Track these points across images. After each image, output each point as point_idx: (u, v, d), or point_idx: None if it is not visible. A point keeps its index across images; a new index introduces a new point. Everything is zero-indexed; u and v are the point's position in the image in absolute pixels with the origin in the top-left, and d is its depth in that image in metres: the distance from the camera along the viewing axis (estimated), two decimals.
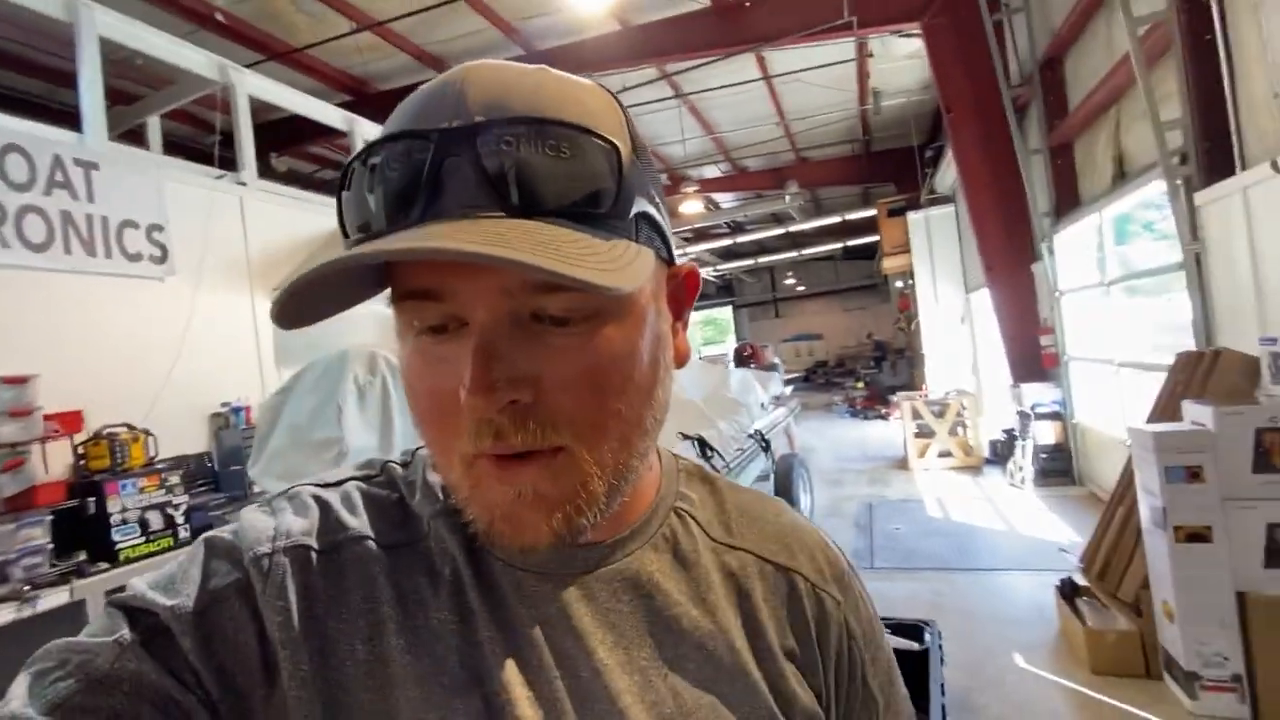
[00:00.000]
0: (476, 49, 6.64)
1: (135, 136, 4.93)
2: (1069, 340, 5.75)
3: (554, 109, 0.35)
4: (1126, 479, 3.22)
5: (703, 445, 2.93)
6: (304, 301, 0.35)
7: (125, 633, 0.35)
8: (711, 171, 11.66)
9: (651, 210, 0.40)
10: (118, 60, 3.85)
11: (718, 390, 3.94)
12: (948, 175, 8.50)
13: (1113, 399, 4.99)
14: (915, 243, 9.58)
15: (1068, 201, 5.42)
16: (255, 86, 4.53)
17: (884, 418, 11.27)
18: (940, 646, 2.46)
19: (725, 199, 13.16)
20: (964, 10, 5.52)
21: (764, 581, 0.47)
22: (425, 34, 6.29)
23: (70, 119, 3.65)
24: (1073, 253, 5.64)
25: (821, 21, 5.79)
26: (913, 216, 9.57)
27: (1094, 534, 3.45)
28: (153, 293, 3.73)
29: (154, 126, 5.06)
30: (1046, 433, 5.78)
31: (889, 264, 10.77)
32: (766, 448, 4.49)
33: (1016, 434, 6.14)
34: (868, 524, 5.33)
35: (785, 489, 4.73)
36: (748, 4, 6.16)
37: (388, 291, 0.39)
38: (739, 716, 0.42)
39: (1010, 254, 6.23)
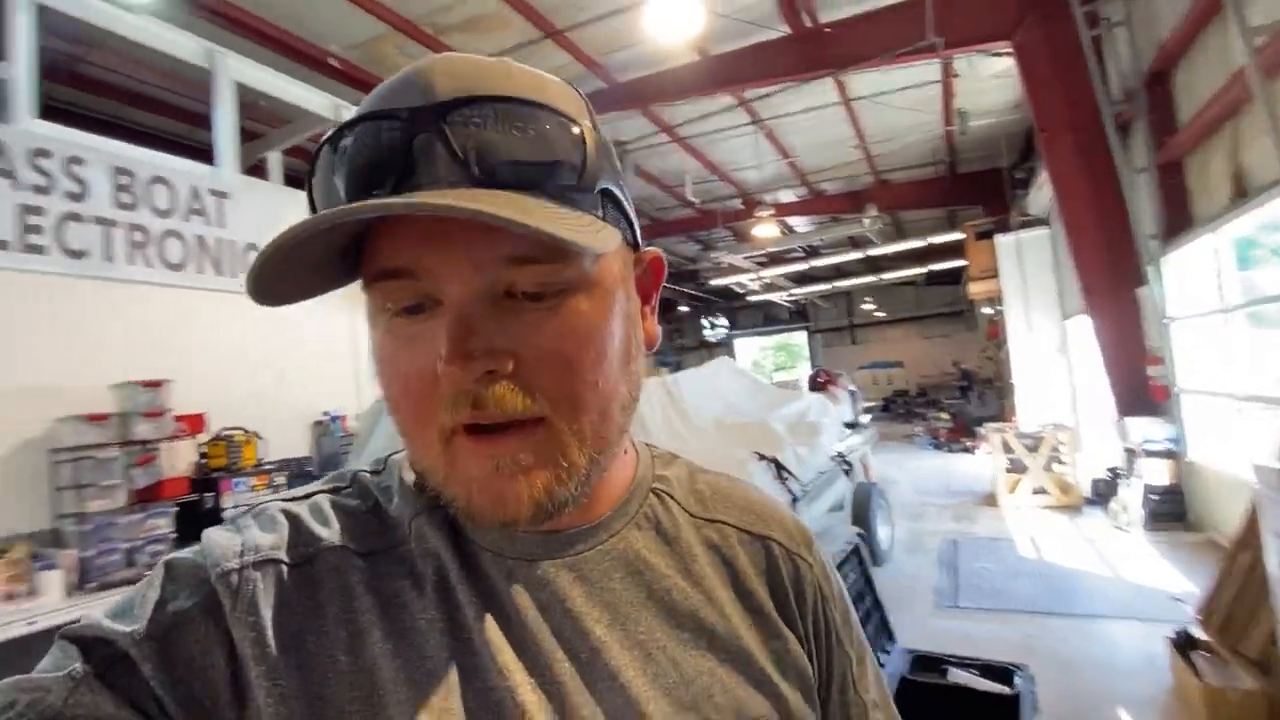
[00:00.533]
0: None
1: (258, 170, 5.48)
2: (1181, 371, 5.28)
3: (519, 92, 0.37)
4: (1251, 523, 2.91)
5: (779, 467, 2.90)
6: (280, 275, 0.35)
7: (78, 665, 0.34)
8: (787, 196, 11.59)
9: (616, 192, 0.41)
10: (245, 102, 4.30)
11: (794, 413, 3.88)
12: (1041, 196, 8.08)
13: (1234, 436, 4.53)
14: (1005, 267, 9.12)
15: (1178, 222, 5.03)
16: None
17: (970, 451, 10.65)
18: (1033, 693, 2.31)
19: (800, 223, 13.02)
20: (1059, 26, 5.29)
21: (743, 549, 0.49)
22: None
23: (203, 155, 4.11)
24: (1184, 277, 5.21)
25: (904, 44, 5.71)
26: (1002, 240, 9.13)
27: (1213, 583, 3.12)
28: (266, 310, 4.09)
29: (274, 160, 5.60)
30: (1157, 472, 5.29)
31: (976, 289, 10.29)
32: (848, 471, 4.35)
33: (1122, 472, 5.66)
34: (952, 561, 5.04)
35: (862, 518, 4.56)
36: (828, 30, 6.17)
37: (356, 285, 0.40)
38: (736, 680, 0.43)
39: (1112, 278, 5.82)
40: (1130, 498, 5.44)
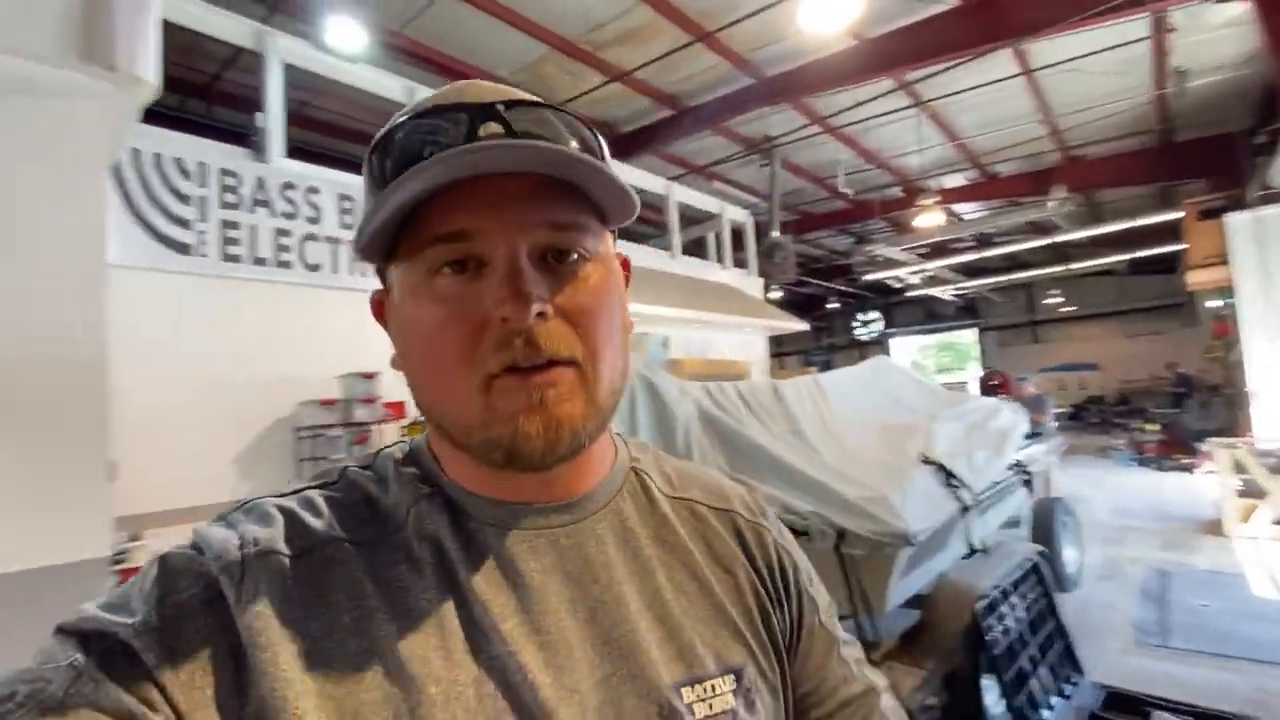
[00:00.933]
0: (710, 83, 7.04)
1: None
2: None
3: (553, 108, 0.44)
4: None
5: (947, 474, 2.72)
6: (383, 234, 0.41)
7: (79, 656, 0.34)
8: (954, 180, 10.66)
9: None
10: None
11: (968, 416, 3.59)
12: None
13: None
14: (1238, 251, 7.62)
15: None
16: None
17: (1187, 469, 9.07)
18: None
19: (970, 209, 11.89)
20: None
21: (710, 522, 0.54)
22: (664, 76, 6.86)
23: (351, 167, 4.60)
24: None
25: (1100, 3, 5.01)
26: (1234, 219, 7.64)
27: None
28: None
29: None
30: None
31: (1197, 278, 8.71)
32: (1028, 483, 3.94)
33: None
34: (1160, 594, 4.36)
35: (1045, 537, 4.10)
36: None
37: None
38: (715, 632, 0.48)
39: None
40: None
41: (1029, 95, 7.65)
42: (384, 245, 0.43)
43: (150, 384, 3.13)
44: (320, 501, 0.45)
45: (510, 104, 0.41)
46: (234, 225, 3.62)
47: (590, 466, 0.49)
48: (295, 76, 4.21)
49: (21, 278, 1.87)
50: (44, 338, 1.88)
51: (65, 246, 1.98)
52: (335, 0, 4.70)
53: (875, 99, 7.18)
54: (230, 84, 6.27)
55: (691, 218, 9.03)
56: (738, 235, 9.55)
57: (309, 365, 3.82)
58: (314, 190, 3.96)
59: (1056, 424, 7.48)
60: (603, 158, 0.44)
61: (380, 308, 0.48)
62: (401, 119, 0.42)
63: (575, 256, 0.43)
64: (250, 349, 3.66)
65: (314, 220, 3.94)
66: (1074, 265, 14.47)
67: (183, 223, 3.43)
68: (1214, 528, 5.90)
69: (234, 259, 3.59)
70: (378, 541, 0.43)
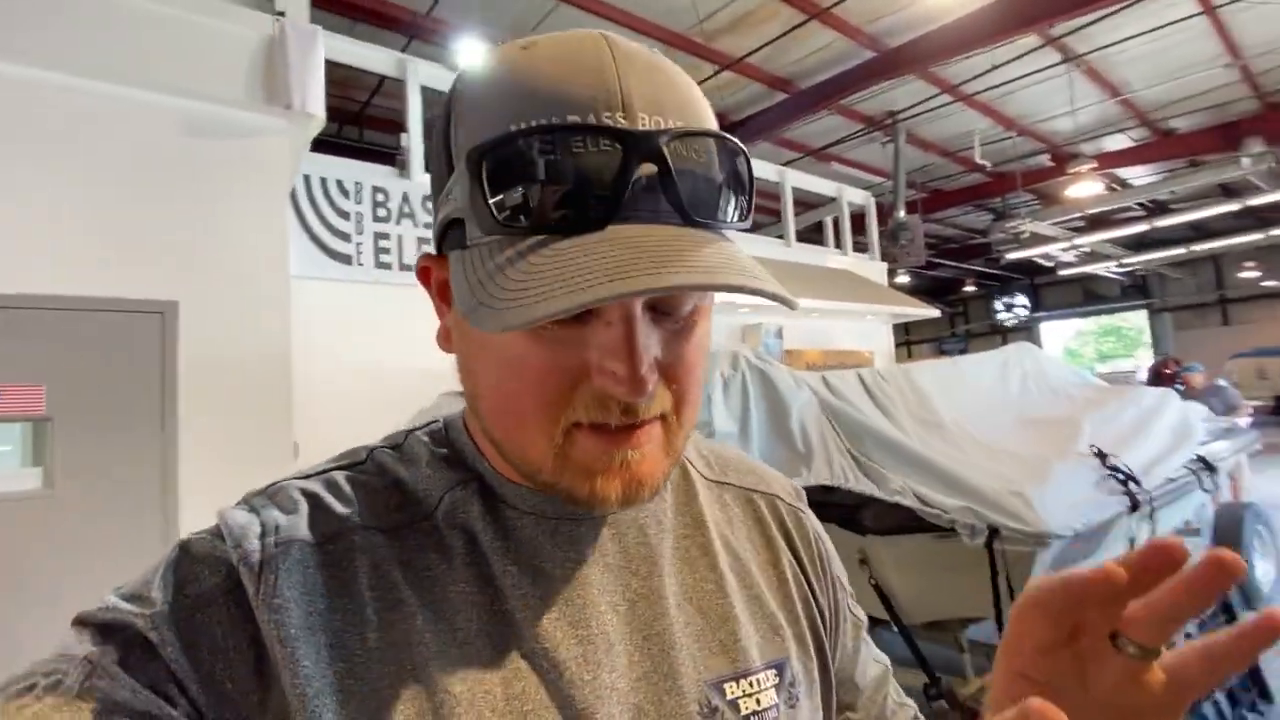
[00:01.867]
0: (827, 61, 6.77)
1: None
2: None
3: (701, 116, 0.37)
4: None
5: (1105, 469, 2.45)
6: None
7: (95, 649, 0.34)
8: (1117, 142, 9.43)
9: None
10: None
11: (1132, 409, 3.20)
12: None
13: None
14: None
15: None
16: None
17: None
18: None
19: (1138, 174, 10.46)
20: None
21: (750, 507, 0.54)
22: (777, 60, 6.70)
23: None
24: None
25: None
26: None
27: None
28: None
29: None
30: None
31: None
32: (1208, 486, 3.45)
33: None
34: None
35: (1230, 546, 3.57)
36: None
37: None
38: (755, 625, 0.47)
39: None
40: None
41: (1214, 37, 6.60)
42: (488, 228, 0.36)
43: (323, 377, 3.61)
44: (345, 485, 0.43)
45: (671, 135, 0.34)
46: (384, 236, 4.07)
47: None
48: (431, 95, 4.61)
49: (226, 290, 2.25)
50: (242, 338, 2.25)
51: (257, 262, 2.35)
52: (464, 21, 5.09)
53: (1016, 59, 6.54)
54: (378, 109, 7.00)
55: (807, 203, 8.74)
56: (859, 218, 9.11)
57: (448, 359, 4.21)
58: None
59: (1251, 417, 6.45)
60: (750, 187, 0.39)
61: (427, 275, 0.44)
62: (529, 128, 0.33)
63: (690, 307, 0.39)
64: (402, 345, 4.10)
65: None
66: (1275, 231, 12.25)
67: (344, 236, 3.91)
68: None
69: (385, 266, 4.05)
70: (405, 528, 0.41)
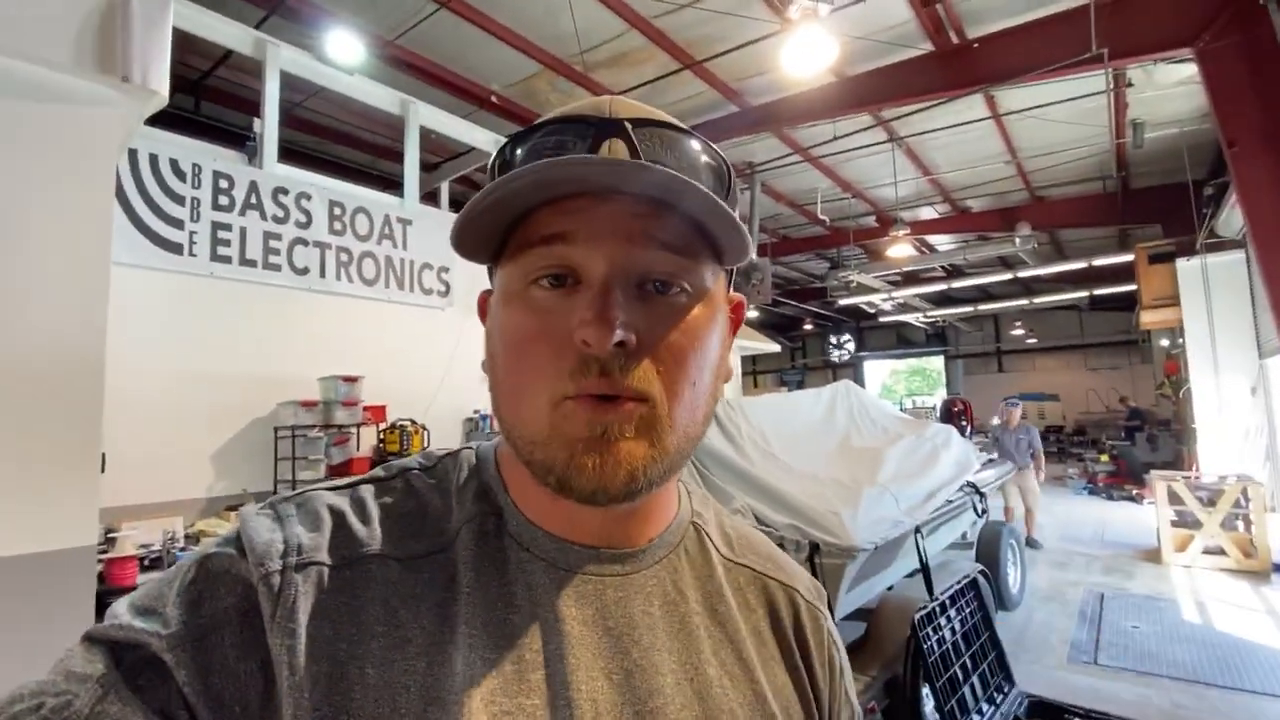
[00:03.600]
0: (698, 109, 7.28)
1: (430, 197, 6.30)
2: None
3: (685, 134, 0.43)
4: None
5: (895, 496, 2.90)
6: (471, 231, 0.39)
7: (108, 671, 0.34)
8: (927, 213, 11.08)
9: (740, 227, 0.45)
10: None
11: (925, 445, 3.79)
12: (1234, 216, 7.11)
13: None
14: (1187, 295, 8.10)
15: None
16: None
17: (1135, 499, 9.50)
18: None
19: (942, 241, 12.34)
20: (1255, 30, 4.73)
21: (766, 595, 0.51)
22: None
23: (380, 181, 4.84)
24: None
25: (1063, 58, 5.36)
26: (1183, 264, 8.13)
27: None
28: (436, 319, 4.76)
29: (444, 189, 6.42)
30: None
31: (1149, 319, 9.19)
32: (981, 508, 4.15)
33: None
34: (1095, 615, 4.62)
35: (990, 559, 4.34)
36: (975, 45, 5.94)
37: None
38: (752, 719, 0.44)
39: None
40: None
41: (998, 138, 8.05)
42: (490, 245, 0.42)
43: (135, 379, 3.18)
44: (372, 505, 0.43)
45: (639, 122, 0.40)
46: (225, 227, 3.69)
47: (653, 515, 0.47)
48: (288, 79, 4.30)
49: (29, 275, 1.96)
50: (48, 333, 1.97)
51: (72, 246, 2.07)
52: (335, 9, 4.82)
53: (854, 133, 7.51)
54: (221, 80, 6.32)
55: None
56: None
57: (292, 366, 3.90)
58: (305, 196, 4.05)
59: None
60: (730, 190, 0.42)
61: (484, 307, 0.47)
62: (534, 125, 0.42)
63: (677, 290, 0.40)
64: (234, 348, 3.72)
65: (304, 225, 4.03)
66: (1038, 299, 15.05)
67: (175, 223, 3.50)
68: (1153, 555, 6.24)
69: (224, 260, 3.67)
70: (423, 560, 0.41)
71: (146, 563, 2.77)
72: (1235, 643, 4.10)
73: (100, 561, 2.35)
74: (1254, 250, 5.56)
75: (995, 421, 7.56)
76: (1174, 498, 6.20)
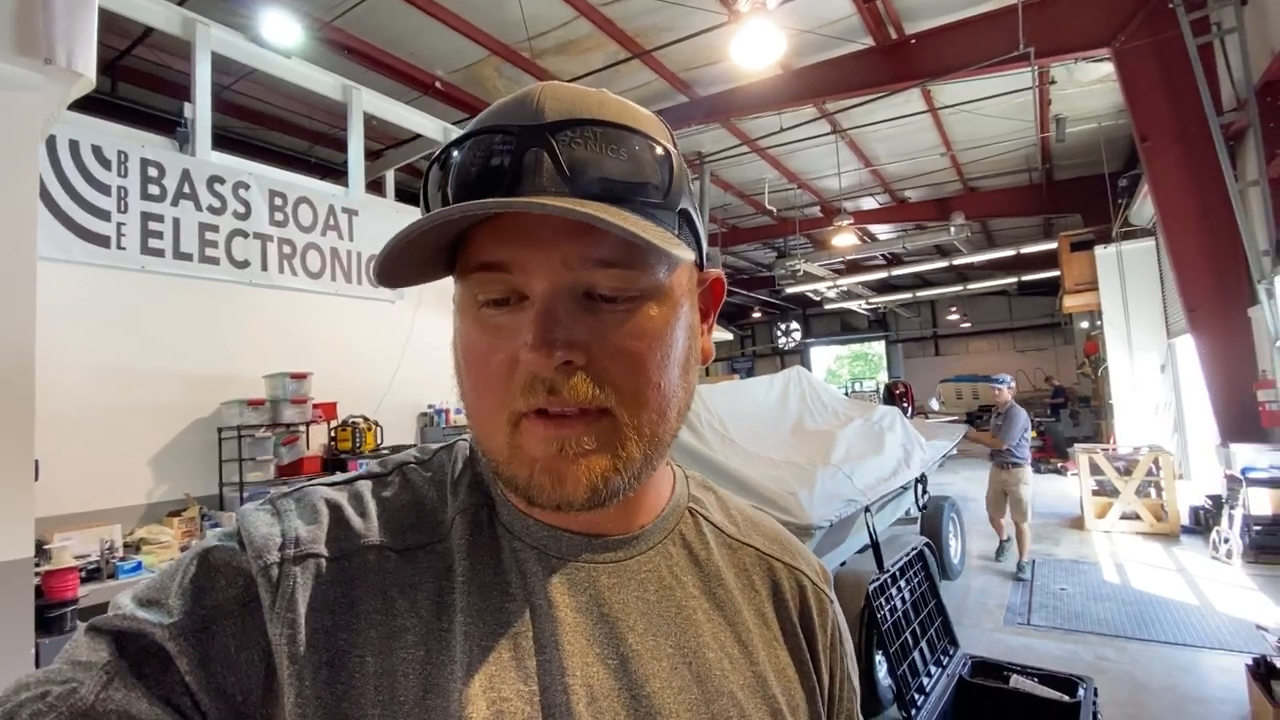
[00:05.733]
0: (647, 98, 7.29)
1: (375, 186, 6.11)
2: None
3: (615, 118, 0.40)
4: None
5: (847, 476, 3.04)
6: (397, 264, 0.39)
7: (112, 659, 0.34)
8: (869, 203, 11.45)
9: (692, 213, 0.44)
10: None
11: (873, 426, 3.97)
12: (1146, 207, 7.65)
13: None
14: (1104, 280, 8.68)
15: None
16: None
17: (1060, 472, 10.16)
18: (1095, 703, 2.38)
19: (882, 230, 12.79)
20: (1164, 33, 5.10)
21: (770, 577, 0.51)
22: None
23: (320, 170, 4.66)
24: None
25: (994, 55, 5.64)
26: (1101, 251, 8.69)
27: None
28: (386, 313, 4.63)
29: (389, 178, 6.22)
30: (1262, 501, 4.98)
31: (1071, 302, 9.80)
32: (920, 484, 4.36)
33: (1224, 501, 5.34)
34: (1028, 579, 4.95)
35: (932, 531, 4.59)
36: (913, 41, 6.17)
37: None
38: (753, 704, 0.44)
39: (1220, 297, 5.51)
40: (1230, 528, 5.15)
41: (934, 130, 8.39)
42: (438, 266, 0.42)
43: (64, 380, 2.99)
44: (369, 499, 0.44)
45: (562, 124, 0.38)
46: (156, 218, 3.49)
47: (643, 505, 0.47)
48: (218, 61, 4.09)
49: None
50: None
51: None
52: None
53: (799, 125, 7.68)
54: (139, 60, 5.93)
55: None
56: None
57: (233, 365, 3.74)
58: (243, 185, 3.87)
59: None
60: (673, 181, 0.41)
61: None
62: (461, 135, 0.41)
63: (626, 298, 0.39)
64: (171, 346, 3.54)
65: (242, 216, 3.84)
66: (971, 285, 15.81)
67: (101, 214, 3.28)
68: (1077, 523, 6.72)
69: (155, 253, 3.47)
70: (419, 550, 0.41)
71: (84, 574, 2.63)
72: (1150, 599, 4.48)
73: (36, 575, 2.22)
74: (1163, 238, 6.02)
75: (934, 405, 7.74)
76: (1094, 469, 6.68)
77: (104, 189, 3.30)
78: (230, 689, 0.35)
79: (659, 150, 0.40)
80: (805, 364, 20.40)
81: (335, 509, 0.42)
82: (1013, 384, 5.28)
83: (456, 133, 3.91)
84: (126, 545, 2.97)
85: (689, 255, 0.40)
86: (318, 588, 0.38)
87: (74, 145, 3.23)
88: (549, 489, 0.38)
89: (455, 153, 0.40)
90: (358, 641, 0.37)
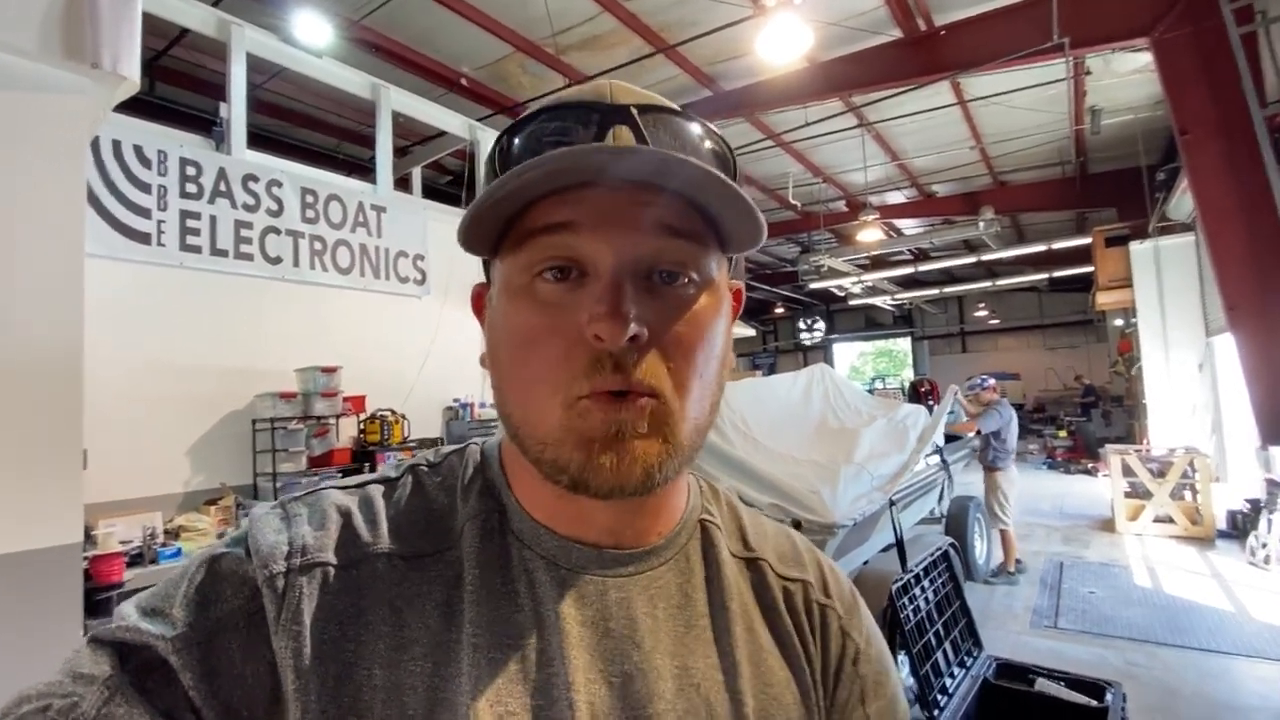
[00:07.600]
0: (669, 93, 7.25)
1: (403, 183, 6.19)
2: None
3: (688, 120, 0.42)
4: None
5: (871, 474, 3.02)
6: (479, 227, 0.39)
7: (114, 673, 0.34)
8: (895, 198, 11.29)
9: None
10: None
11: (896, 424, 3.93)
12: (1185, 201, 7.42)
13: None
14: (1140, 276, 8.43)
15: None
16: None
17: (1091, 473, 9.95)
18: (1124, 709, 2.34)
19: (909, 225, 12.59)
20: (1204, 23, 4.93)
21: (778, 593, 0.49)
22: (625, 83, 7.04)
23: (346, 166, 4.73)
24: None
25: (1026, 46, 5.51)
26: (1136, 247, 8.44)
27: None
28: (413, 308, 4.71)
29: (416, 175, 6.30)
30: None
31: (1104, 299, 9.55)
32: (947, 482, 4.30)
33: (1263, 505, 5.19)
34: (1055, 583, 4.87)
35: (958, 531, 4.54)
36: (943, 33, 6.06)
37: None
38: None
39: (1261, 294, 5.33)
40: (1269, 533, 4.99)
41: (963, 123, 8.23)
42: (490, 237, 0.41)
43: (106, 374, 3.10)
44: (379, 504, 0.43)
45: (645, 108, 0.40)
46: (194, 215, 3.59)
47: (663, 511, 0.46)
48: (250, 61, 4.18)
49: (2, 270, 1.91)
50: (25, 328, 1.92)
51: (45, 237, 2.02)
52: None
53: (825, 119, 7.59)
54: (177, 60, 6.09)
55: None
56: None
57: (266, 358, 3.84)
58: (276, 183, 3.96)
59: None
60: (735, 177, 0.40)
61: (479, 301, 0.46)
62: (534, 111, 0.41)
63: (684, 280, 0.39)
64: (208, 340, 3.65)
65: (275, 213, 3.94)
66: (1000, 281, 15.49)
67: (143, 212, 3.39)
68: (1108, 525, 6.58)
69: (193, 249, 3.57)
70: (429, 558, 0.41)
71: (128, 559, 2.73)
72: (1183, 604, 4.38)
73: (85, 559, 2.32)
74: (1203, 233, 5.84)
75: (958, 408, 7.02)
76: (1127, 470, 6.53)
77: (145, 187, 3.41)
78: (235, 703, 0.35)
79: (724, 145, 0.43)
80: (828, 360, 20.18)
81: (345, 515, 0.41)
82: (992, 382, 5.38)
83: (482, 129, 3.93)
84: (167, 532, 3.09)
85: (761, 239, 0.41)
86: (324, 598, 0.37)
87: (117, 145, 3.34)
88: (606, 470, 0.37)
89: (530, 126, 0.40)
90: (365, 654, 0.37)
